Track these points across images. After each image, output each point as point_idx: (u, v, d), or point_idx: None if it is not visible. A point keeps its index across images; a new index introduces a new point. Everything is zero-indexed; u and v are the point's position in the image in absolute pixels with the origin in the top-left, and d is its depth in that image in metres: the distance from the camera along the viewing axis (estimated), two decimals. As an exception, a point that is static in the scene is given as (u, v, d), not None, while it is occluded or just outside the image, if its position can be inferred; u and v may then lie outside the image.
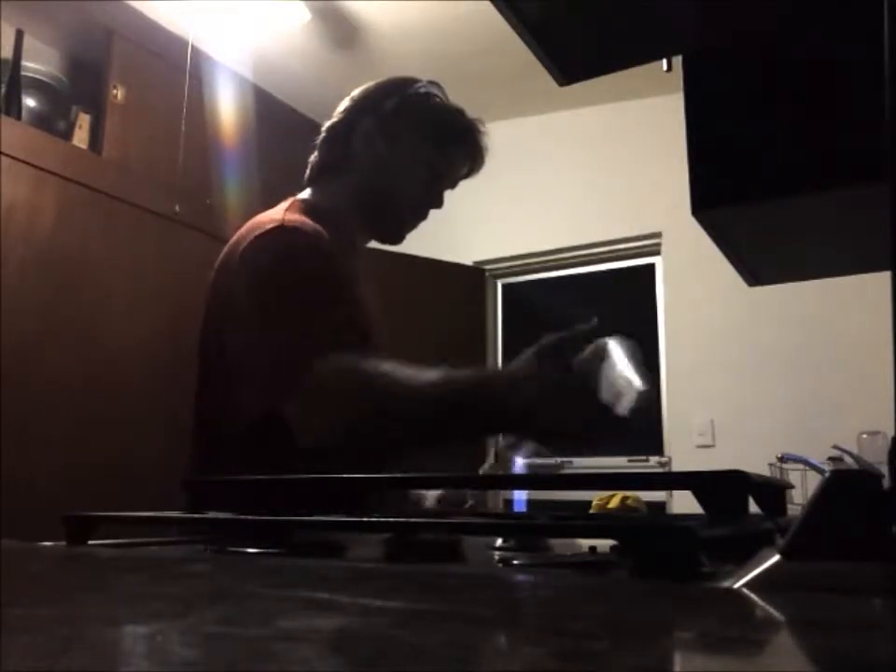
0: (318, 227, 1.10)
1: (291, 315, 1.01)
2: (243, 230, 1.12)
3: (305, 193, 1.23)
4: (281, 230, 1.07)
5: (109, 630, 0.29)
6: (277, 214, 1.11)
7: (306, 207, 1.16)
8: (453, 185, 1.28)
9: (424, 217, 1.26)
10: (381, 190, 1.21)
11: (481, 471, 1.17)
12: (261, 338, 1.02)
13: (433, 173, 1.23)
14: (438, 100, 1.23)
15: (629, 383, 0.85)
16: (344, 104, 1.25)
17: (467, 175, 1.28)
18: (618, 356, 0.88)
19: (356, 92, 1.25)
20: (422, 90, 1.23)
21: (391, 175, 1.21)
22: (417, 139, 1.21)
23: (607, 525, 0.62)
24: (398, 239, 1.27)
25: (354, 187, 1.21)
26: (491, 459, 1.24)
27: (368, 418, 0.98)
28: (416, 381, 0.97)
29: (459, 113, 1.24)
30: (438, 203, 1.26)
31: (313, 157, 1.26)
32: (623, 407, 0.83)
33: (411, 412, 0.97)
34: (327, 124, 1.25)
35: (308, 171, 1.26)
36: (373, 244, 1.34)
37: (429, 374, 0.98)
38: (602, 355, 0.89)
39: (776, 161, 0.85)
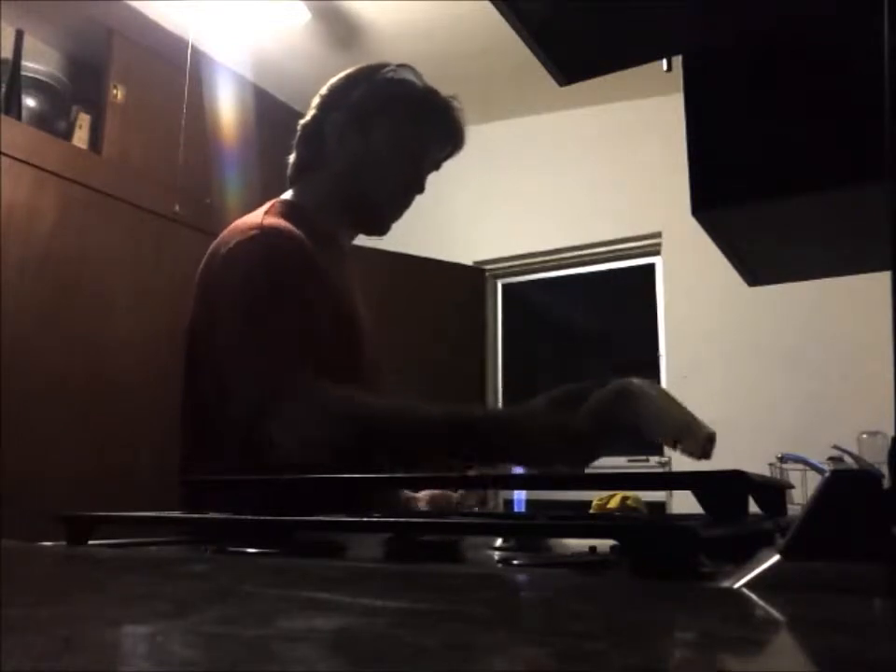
0: (297, 230, 1.09)
1: (272, 320, 1.02)
2: (224, 234, 1.12)
3: (287, 194, 1.22)
4: (260, 234, 1.06)
5: (109, 630, 0.29)
6: (256, 218, 1.11)
7: (286, 209, 1.15)
8: (436, 167, 1.25)
9: (407, 204, 1.24)
10: (358, 184, 1.19)
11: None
12: (243, 343, 1.03)
13: (410, 157, 1.21)
14: (408, 83, 1.20)
15: (696, 424, 0.82)
16: (315, 100, 1.23)
17: (449, 156, 1.25)
18: (667, 395, 0.86)
19: (324, 88, 1.23)
20: (389, 74, 1.20)
21: (366, 167, 1.19)
22: (390, 126, 1.19)
23: (607, 525, 0.62)
24: (382, 230, 1.25)
25: (331, 183, 1.20)
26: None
27: (367, 444, 0.98)
28: (422, 410, 0.98)
29: (432, 93, 1.21)
30: (419, 188, 1.23)
31: (291, 157, 1.25)
32: (690, 450, 0.80)
33: (414, 437, 0.97)
34: (301, 122, 1.24)
35: (289, 171, 1.25)
36: (367, 241, 1.33)
37: (437, 407, 0.98)
38: (624, 400, 0.86)
39: (775, 161, 0.85)
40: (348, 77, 1.22)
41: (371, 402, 1.01)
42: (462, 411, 1.00)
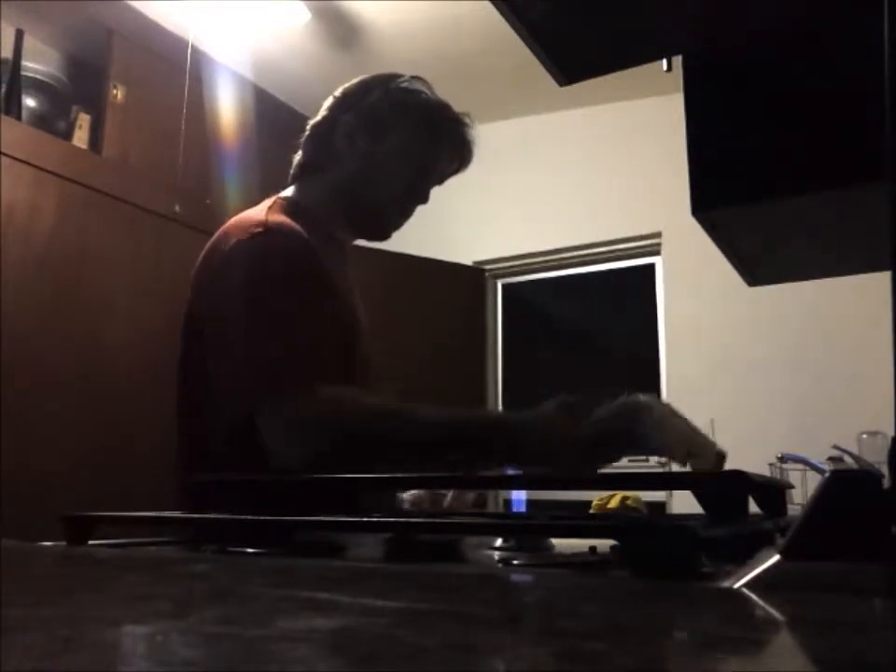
0: (301, 229, 1.09)
1: (276, 323, 1.01)
2: (224, 230, 1.11)
3: (288, 191, 1.22)
4: (266, 234, 1.05)
5: (109, 630, 0.29)
6: (260, 215, 1.10)
7: (289, 206, 1.15)
8: (440, 181, 1.26)
9: (409, 213, 1.24)
10: (364, 186, 1.20)
11: None
12: (244, 344, 1.02)
13: (418, 167, 1.21)
14: (422, 95, 1.21)
15: (706, 442, 0.83)
16: (328, 101, 1.24)
17: (455, 172, 1.26)
18: (675, 412, 0.86)
19: (338, 90, 1.24)
20: (404, 84, 1.21)
21: (374, 171, 1.19)
22: (401, 134, 1.19)
23: (607, 525, 0.62)
24: (383, 236, 1.25)
25: (337, 184, 1.20)
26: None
27: (364, 450, 0.97)
28: (427, 413, 0.98)
29: (444, 107, 1.22)
30: (423, 200, 1.23)
31: (297, 155, 1.24)
32: (700, 468, 0.81)
33: (416, 443, 0.96)
34: (311, 122, 1.24)
35: (292, 169, 1.24)
36: (367, 243, 1.33)
37: (443, 409, 0.98)
38: (632, 413, 0.86)
39: (775, 161, 0.85)
40: (363, 82, 1.23)
41: (370, 404, 1.01)
42: (462, 413, 1.00)
